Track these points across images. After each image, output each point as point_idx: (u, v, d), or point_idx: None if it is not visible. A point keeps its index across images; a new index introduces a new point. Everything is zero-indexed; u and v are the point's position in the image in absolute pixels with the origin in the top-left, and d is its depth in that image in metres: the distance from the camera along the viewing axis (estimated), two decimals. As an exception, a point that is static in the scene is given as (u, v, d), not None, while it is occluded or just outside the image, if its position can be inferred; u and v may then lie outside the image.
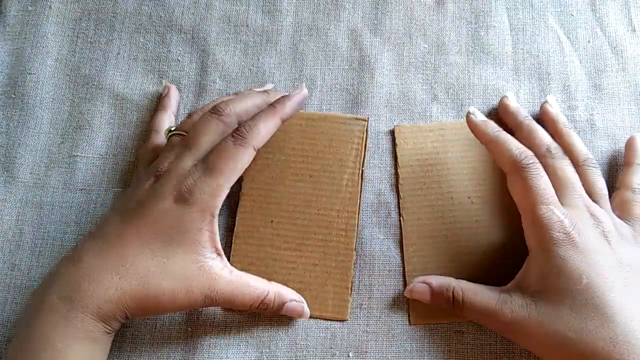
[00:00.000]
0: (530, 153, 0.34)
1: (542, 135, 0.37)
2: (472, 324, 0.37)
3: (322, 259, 0.37)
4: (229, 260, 0.36)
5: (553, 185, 0.33)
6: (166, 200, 0.32)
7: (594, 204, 0.34)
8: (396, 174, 0.40)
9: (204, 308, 0.37)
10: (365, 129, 0.39)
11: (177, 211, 0.32)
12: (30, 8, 0.45)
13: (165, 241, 0.32)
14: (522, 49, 0.43)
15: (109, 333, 0.32)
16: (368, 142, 0.40)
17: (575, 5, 0.44)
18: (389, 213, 0.39)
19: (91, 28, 0.44)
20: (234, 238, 0.38)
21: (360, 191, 0.39)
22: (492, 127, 0.35)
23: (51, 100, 0.43)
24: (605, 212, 0.34)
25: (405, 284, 0.38)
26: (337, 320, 0.37)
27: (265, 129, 0.34)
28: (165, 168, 0.34)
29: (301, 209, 0.38)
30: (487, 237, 0.38)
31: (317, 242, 0.38)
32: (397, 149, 0.40)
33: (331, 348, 0.37)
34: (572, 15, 0.44)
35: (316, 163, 0.39)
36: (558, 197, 0.33)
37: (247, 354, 0.37)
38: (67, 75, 0.43)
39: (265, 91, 0.39)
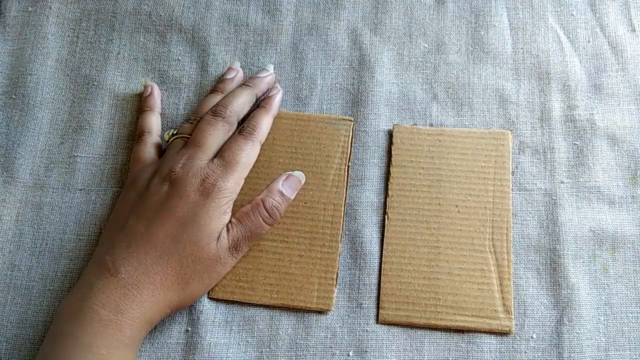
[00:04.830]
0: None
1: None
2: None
3: (308, 251, 0.38)
4: None
5: None
6: (191, 196, 0.35)
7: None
8: (388, 172, 0.40)
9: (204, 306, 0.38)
10: (351, 128, 0.41)
11: (203, 203, 0.35)
12: (30, 9, 0.45)
13: (192, 233, 0.35)
14: (522, 48, 0.43)
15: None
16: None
17: (575, 5, 0.44)
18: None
19: (91, 28, 0.44)
20: None
21: (347, 186, 0.39)
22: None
23: (51, 100, 0.43)
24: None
25: (379, 282, 0.38)
26: (321, 311, 0.37)
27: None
28: (179, 169, 0.36)
29: None
30: (469, 247, 0.38)
31: (304, 233, 0.38)
32: (392, 148, 0.40)
33: (331, 347, 0.36)
34: (572, 15, 0.44)
35: (304, 159, 0.40)
36: None
37: (247, 353, 0.37)
38: (67, 75, 0.43)
39: (246, 85, 0.41)
